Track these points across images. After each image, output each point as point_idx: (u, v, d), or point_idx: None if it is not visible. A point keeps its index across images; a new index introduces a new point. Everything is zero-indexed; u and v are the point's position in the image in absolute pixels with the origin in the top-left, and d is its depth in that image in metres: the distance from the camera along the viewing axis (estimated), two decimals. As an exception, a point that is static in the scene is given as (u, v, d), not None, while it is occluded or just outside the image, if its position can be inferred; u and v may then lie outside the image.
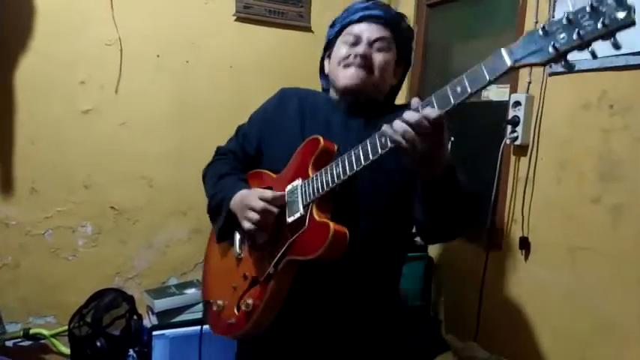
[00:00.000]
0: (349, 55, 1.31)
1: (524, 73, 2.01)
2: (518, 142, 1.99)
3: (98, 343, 2.04)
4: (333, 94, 1.39)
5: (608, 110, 1.70)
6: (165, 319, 2.23)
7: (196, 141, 2.50)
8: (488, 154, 2.12)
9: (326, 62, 1.44)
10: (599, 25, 0.78)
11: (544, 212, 1.94)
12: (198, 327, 2.06)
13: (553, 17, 1.90)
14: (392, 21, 1.34)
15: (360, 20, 1.33)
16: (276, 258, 1.22)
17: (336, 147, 1.21)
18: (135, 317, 2.16)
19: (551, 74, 1.90)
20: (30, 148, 2.21)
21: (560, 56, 0.84)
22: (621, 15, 0.77)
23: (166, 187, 2.48)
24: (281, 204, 1.24)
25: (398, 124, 0.98)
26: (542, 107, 1.94)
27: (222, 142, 2.43)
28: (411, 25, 2.69)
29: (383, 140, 1.03)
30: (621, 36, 1.78)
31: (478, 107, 2.31)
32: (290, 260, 1.20)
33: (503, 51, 0.91)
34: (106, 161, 2.35)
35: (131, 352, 2.12)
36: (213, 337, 2.05)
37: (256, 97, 2.49)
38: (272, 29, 2.62)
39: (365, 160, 1.06)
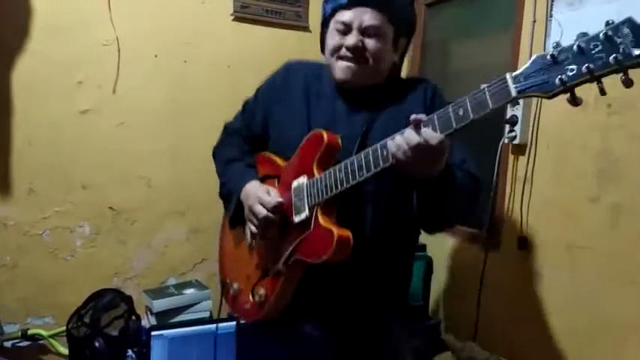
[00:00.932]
0: (341, 47, 1.26)
1: (522, 73, 2.01)
2: (516, 142, 1.98)
3: (96, 344, 2.04)
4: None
5: (605, 109, 1.70)
6: (164, 319, 2.23)
7: (194, 141, 2.49)
8: (486, 154, 2.12)
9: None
10: (612, 60, 0.72)
11: (542, 211, 1.94)
12: (197, 327, 2.07)
13: (551, 17, 1.90)
14: (382, 1, 1.24)
15: (349, 4, 1.24)
16: (285, 256, 1.24)
17: (339, 140, 1.21)
18: (133, 317, 2.16)
19: (549, 73, 1.89)
20: (27, 148, 2.20)
21: (567, 90, 0.79)
22: (637, 51, 0.71)
23: (165, 187, 2.47)
24: (282, 209, 1.26)
25: (400, 143, 1.00)
26: (540, 106, 1.93)
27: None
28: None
29: (385, 153, 1.05)
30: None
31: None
32: (298, 259, 1.22)
33: (509, 79, 0.87)
34: (104, 161, 2.34)
35: (130, 352, 2.11)
36: (212, 338, 2.06)
37: (254, 97, 2.47)
38: (270, 29, 2.62)
39: (367, 170, 1.09)
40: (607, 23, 0.75)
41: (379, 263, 1.30)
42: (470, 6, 2.45)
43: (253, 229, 1.31)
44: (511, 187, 2.06)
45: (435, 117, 0.98)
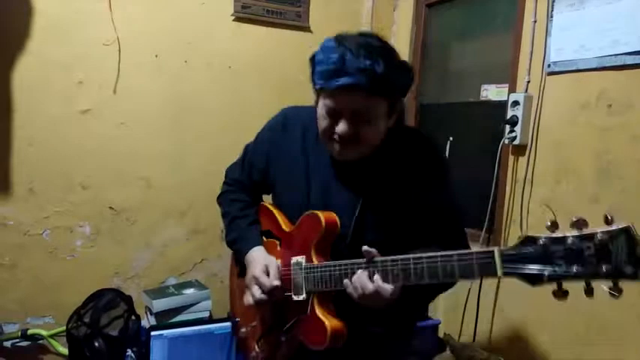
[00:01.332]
0: (332, 131, 1.19)
1: (522, 73, 2.00)
2: (516, 142, 1.98)
3: (96, 344, 2.04)
4: None
5: (606, 109, 1.70)
6: (164, 319, 2.23)
7: (195, 141, 2.50)
8: (486, 154, 2.12)
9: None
10: (603, 269, 0.73)
11: (543, 212, 1.93)
12: (197, 327, 2.07)
13: (551, 17, 1.89)
14: (372, 83, 1.11)
15: (337, 91, 1.13)
16: (285, 327, 1.29)
17: (338, 223, 1.22)
18: (133, 317, 2.16)
19: (550, 74, 1.89)
20: (28, 148, 2.20)
21: (554, 284, 0.80)
22: (629, 269, 0.71)
23: (165, 187, 2.47)
24: (278, 291, 1.27)
25: (355, 286, 1.10)
26: (541, 107, 1.93)
27: (220, 143, 2.45)
28: (410, 25, 2.70)
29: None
30: (618, 35, 1.77)
31: (477, 107, 2.31)
32: (296, 334, 1.27)
33: (497, 255, 0.87)
34: (104, 161, 2.34)
35: (129, 352, 2.11)
36: (212, 338, 2.06)
37: (255, 98, 2.50)
38: (270, 29, 2.61)
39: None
40: (605, 223, 0.75)
41: (380, 337, 1.33)
42: (471, 6, 2.45)
43: (246, 303, 1.35)
44: (511, 188, 2.06)
45: (388, 267, 1.05)
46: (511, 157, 2.07)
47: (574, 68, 1.80)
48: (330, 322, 1.17)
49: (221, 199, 1.56)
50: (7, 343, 2.20)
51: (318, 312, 1.20)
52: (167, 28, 2.40)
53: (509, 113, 1.99)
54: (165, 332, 2.03)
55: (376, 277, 1.08)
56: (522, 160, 2.01)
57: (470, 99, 2.35)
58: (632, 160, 1.62)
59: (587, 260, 0.75)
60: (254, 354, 1.42)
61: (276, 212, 1.42)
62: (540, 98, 1.93)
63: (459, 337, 2.23)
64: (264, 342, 1.38)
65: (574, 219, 0.79)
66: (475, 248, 0.95)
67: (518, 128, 1.97)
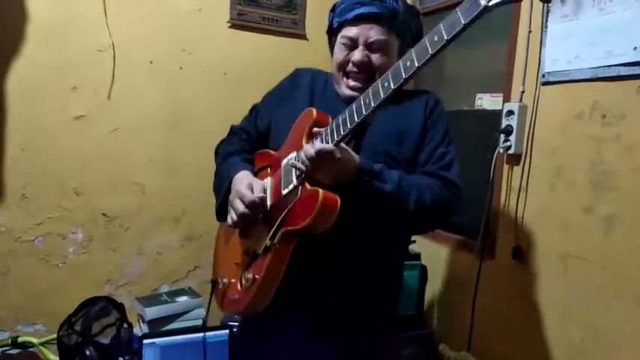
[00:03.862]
0: (347, 62, 1.29)
1: (516, 82, 2.01)
2: (511, 151, 1.99)
3: (87, 352, 2.02)
4: None
5: (600, 120, 1.71)
6: (156, 327, 2.21)
7: (189, 148, 2.49)
8: (481, 163, 2.12)
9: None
10: None
11: (537, 221, 1.94)
12: (190, 335, 2.06)
13: (546, 27, 1.91)
14: (388, 15, 1.28)
15: (355, 19, 1.28)
16: (272, 230, 1.23)
17: (330, 118, 1.20)
18: (125, 325, 2.14)
19: (544, 84, 1.90)
20: (21, 153, 2.19)
21: None
22: None
23: (158, 194, 2.46)
24: (260, 206, 1.25)
25: (301, 156, 1.14)
26: (535, 116, 1.94)
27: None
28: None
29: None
30: (612, 46, 1.79)
31: (471, 116, 2.32)
32: (285, 232, 1.20)
33: None
34: (98, 167, 2.33)
35: (121, 360, 2.09)
36: (205, 346, 2.05)
37: (250, 104, 2.49)
38: (266, 36, 2.62)
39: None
40: None
41: (363, 271, 1.30)
42: (465, 16, 2.46)
43: (230, 221, 1.30)
44: (506, 197, 2.07)
45: (327, 129, 1.09)
46: (506, 167, 2.07)
47: (568, 79, 1.81)
48: (323, 191, 1.12)
49: (219, 146, 1.55)
50: (-3, 351, 2.18)
51: (310, 187, 1.15)
52: (162, 34, 2.40)
53: (504, 122, 2.00)
54: (157, 340, 2.01)
55: (316, 141, 1.12)
56: (517, 169, 2.02)
57: (464, 107, 2.36)
58: (626, 171, 1.63)
59: None
60: (236, 295, 1.33)
61: (269, 150, 1.40)
62: (535, 108, 1.94)
63: (453, 346, 2.22)
64: (248, 271, 1.29)
65: None
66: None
67: (512, 137, 1.97)
